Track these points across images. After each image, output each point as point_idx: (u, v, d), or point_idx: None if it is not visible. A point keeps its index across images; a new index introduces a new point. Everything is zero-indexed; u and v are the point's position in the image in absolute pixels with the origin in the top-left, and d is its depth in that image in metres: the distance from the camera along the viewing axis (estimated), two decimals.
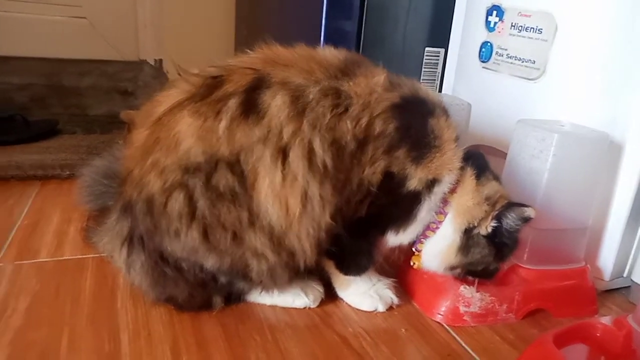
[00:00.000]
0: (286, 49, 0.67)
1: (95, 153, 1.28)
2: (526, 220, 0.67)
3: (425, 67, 1.15)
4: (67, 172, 1.16)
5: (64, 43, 1.74)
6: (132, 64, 1.85)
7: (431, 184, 0.66)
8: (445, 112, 0.68)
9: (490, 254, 0.69)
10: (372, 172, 0.64)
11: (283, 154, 0.60)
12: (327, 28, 1.09)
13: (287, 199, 0.61)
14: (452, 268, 0.71)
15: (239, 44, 1.82)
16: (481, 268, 0.70)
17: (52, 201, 1.03)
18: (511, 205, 0.67)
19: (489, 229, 0.67)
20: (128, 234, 0.67)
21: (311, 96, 0.61)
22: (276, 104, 0.60)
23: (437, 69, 1.15)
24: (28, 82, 1.70)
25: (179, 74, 0.65)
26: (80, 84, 1.77)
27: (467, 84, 0.99)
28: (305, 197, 0.61)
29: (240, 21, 1.79)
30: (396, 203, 0.66)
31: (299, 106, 0.61)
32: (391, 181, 0.64)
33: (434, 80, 1.16)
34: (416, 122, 0.65)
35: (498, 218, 0.67)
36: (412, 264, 0.74)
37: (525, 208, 0.66)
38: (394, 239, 0.70)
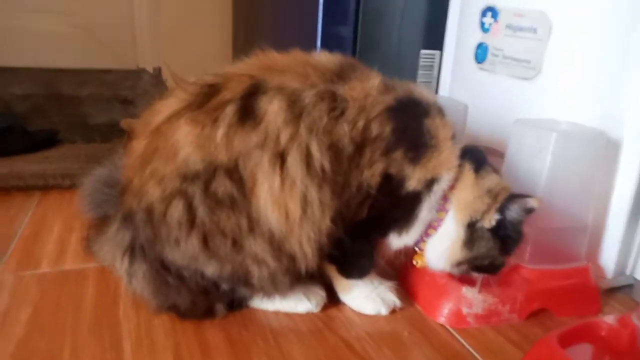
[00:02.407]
0: (282, 54, 0.67)
1: (96, 162, 1.28)
2: (530, 211, 0.67)
3: (421, 70, 1.15)
4: (68, 182, 1.16)
5: (63, 52, 1.75)
6: (131, 73, 1.86)
7: (430, 183, 0.66)
8: (441, 111, 0.68)
9: (495, 247, 0.69)
10: (370, 174, 0.64)
11: (281, 158, 0.60)
12: (323, 34, 1.09)
13: (287, 203, 0.61)
14: (459, 264, 0.70)
15: (236, 50, 1.82)
16: (487, 262, 0.70)
17: (53, 211, 1.03)
18: (513, 196, 0.67)
19: (493, 222, 0.67)
20: (129, 244, 0.67)
21: (307, 100, 0.61)
22: (273, 109, 0.61)
23: (432, 71, 1.15)
24: (28, 92, 1.70)
25: (176, 83, 0.65)
26: (80, 93, 1.77)
27: (464, 86, 0.99)
28: (304, 201, 0.61)
29: (238, 28, 1.80)
30: (396, 204, 0.67)
31: (295, 110, 0.61)
32: (390, 183, 0.65)
33: (430, 82, 1.16)
34: (412, 123, 0.66)
35: (501, 210, 0.67)
36: (414, 262, 0.74)
37: (528, 199, 0.66)
38: (398, 241, 0.70)
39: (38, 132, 1.48)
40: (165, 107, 0.65)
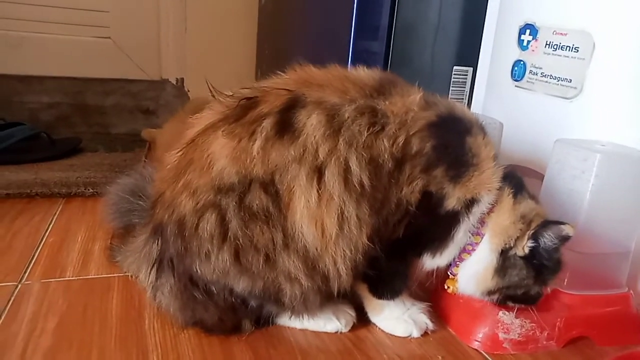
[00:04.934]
0: (320, 69, 0.66)
1: (118, 171, 1.28)
2: (565, 239, 0.64)
3: (453, 86, 1.13)
4: (91, 190, 1.16)
5: (89, 63, 1.77)
6: (155, 83, 1.87)
7: (470, 203, 0.64)
8: (483, 130, 0.67)
9: (529, 277, 0.66)
10: (410, 191, 0.62)
11: (319, 173, 0.59)
12: (355, 48, 1.08)
13: (323, 219, 0.59)
14: (490, 292, 0.68)
15: (260, 63, 1.82)
16: (521, 292, 0.67)
17: (76, 219, 1.03)
18: (548, 223, 0.64)
19: (526, 250, 0.65)
20: (158, 257, 0.66)
21: (347, 115, 0.60)
22: (311, 123, 0.59)
23: (465, 87, 1.13)
24: (54, 101, 1.72)
25: (213, 96, 0.65)
26: (104, 102, 1.80)
27: (499, 103, 0.97)
28: (341, 217, 0.59)
29: (262, 40, 1.80)
30: (434, 223, 0.64)
31: (334, 125, 0.59)
32: (429, 201, 0.62)
33: (462, 99, 1.14)
34: (453, 140, 0.64)
35: (534, 237, 0.64)
36: (446, 287, 0.72)
37: (563, 226, 0.63)
38: (431, 262, 0.68)
39: (62, 141, 1.49)
40: (202, 120, 0.64)
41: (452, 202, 0.63)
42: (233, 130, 0.60)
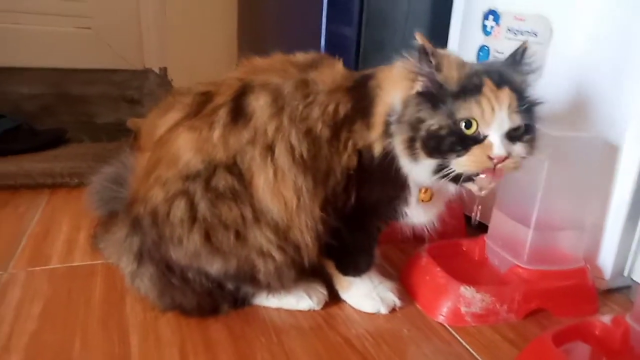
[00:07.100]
0: (264, 58, 0.71)
1: (103, 161, 1.30)
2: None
3: None
4: (76, 180, 1.19)
5: (71, 53, 1.77)
6: (138, 73, 1.88)
7: (386, 126, 0.65)
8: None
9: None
10: (347, 155, 0.66)
11: (271, 151, 0.64)
12: (327, 34, 1.10)
13: (283, 192, 0.64)
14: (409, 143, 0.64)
15: (242, 50, 1.84)
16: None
17: (61, 209, 1.06)
18: None
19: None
20: (138, 249, 0.69)
21: (286, 91, 0.65)
22: (260, 105, 0.64)
23: None
24: (37, 91, 1.73)
25: (172, 96, 0.69)
26: (87, 92, 1.80)
27: None
28: (296, 189, 0.64)
29: (243, 28, 1.81)
30: (380, 179, 0.67)
31: (279, 103, 0.65)
32: (365, 158, 0.66)
33: None
34: (362, 91, 0.67)
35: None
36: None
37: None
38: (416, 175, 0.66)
39: (46, 132, 1.50)
40: (165, 120, 0.68)
41: (377, 147, 0.65)
42: (194, 124, 0.65)
